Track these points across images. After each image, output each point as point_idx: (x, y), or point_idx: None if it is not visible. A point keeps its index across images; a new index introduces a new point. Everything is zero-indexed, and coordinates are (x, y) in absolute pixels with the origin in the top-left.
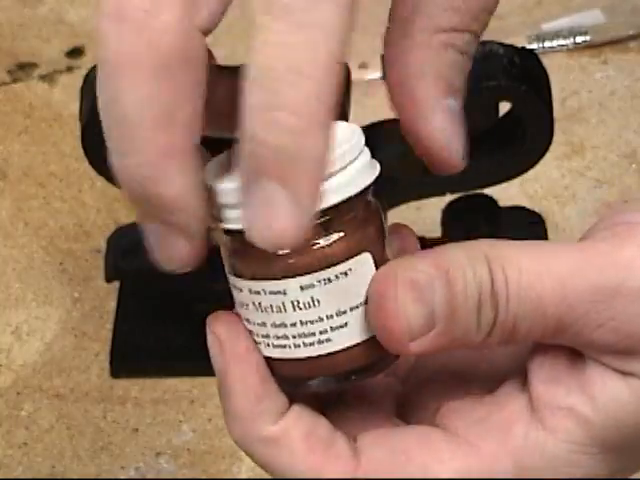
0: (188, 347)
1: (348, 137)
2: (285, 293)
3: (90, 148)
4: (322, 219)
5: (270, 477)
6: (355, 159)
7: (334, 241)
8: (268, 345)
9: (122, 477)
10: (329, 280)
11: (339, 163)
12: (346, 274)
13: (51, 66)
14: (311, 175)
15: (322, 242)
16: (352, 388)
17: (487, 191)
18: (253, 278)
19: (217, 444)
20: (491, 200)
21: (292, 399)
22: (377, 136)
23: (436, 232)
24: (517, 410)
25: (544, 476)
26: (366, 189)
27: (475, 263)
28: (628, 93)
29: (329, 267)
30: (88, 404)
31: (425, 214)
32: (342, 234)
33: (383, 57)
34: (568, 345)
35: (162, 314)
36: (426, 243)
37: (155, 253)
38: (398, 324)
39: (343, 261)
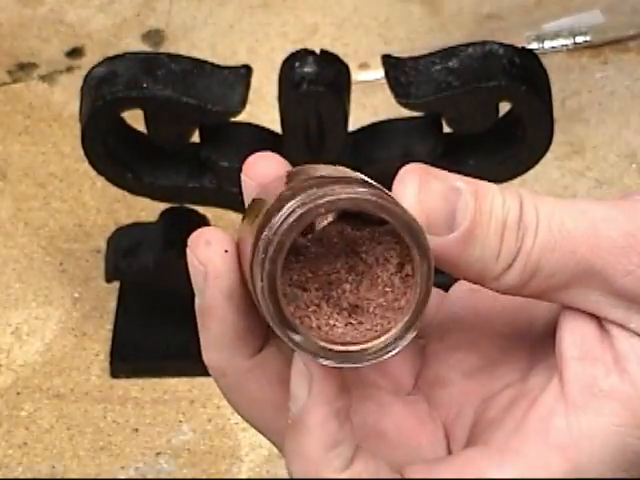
0: (188, 347)
1: None
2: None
3: (90, 148)
4: None
5: (270, 478)
6: None
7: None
8: None
9: (122, 477)
10: None
11: None
12: None
13: (51, 66)
14: None
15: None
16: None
17: None
18: None
19: (217, 444)
20: None
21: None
22: (377, 136)
23: None
24: (551, 402)
25: (601, 463)
26: None
27: (507, 194)
28: (628, 93)
29: None
30: (88, 404)
31: None
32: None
33: (383, 57)
34: (592, 304)
35: (162, 314)
36: None
37: None
38: (418, 208)
39: None
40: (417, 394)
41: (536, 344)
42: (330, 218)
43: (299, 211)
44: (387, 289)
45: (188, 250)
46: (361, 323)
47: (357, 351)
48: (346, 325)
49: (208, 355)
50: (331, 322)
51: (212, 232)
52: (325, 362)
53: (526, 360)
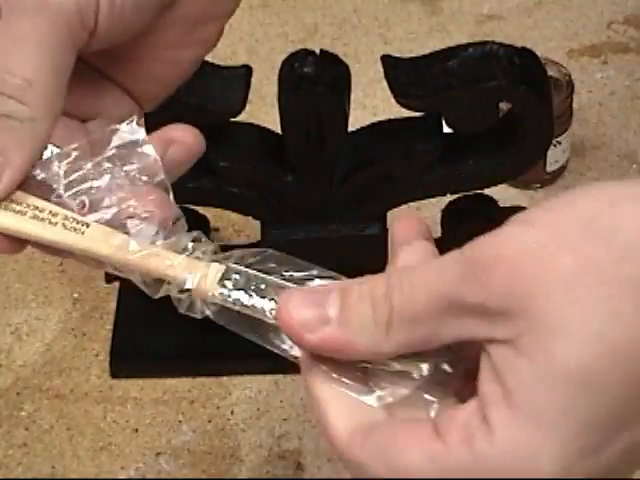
0: (188, 347)
1: None
2: None
3: None
4: None
5: (270, 477)
6: None
7: None
8: None
9: (122, 477)
10: None
11: None
12: None
13: None
14: None
15: None
16: None
17: (487, 191)
18: None
19: (217, 444)
20: (491, 200)
21: None
22: (377, 136)
23: (436, 232)
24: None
25: None
26: None
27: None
28: (628, 93)
29: None
30: (88, 404)
31: (425, 214)
32: None
33: (383, 57)
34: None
35: (162, 314)
36: None
37: None
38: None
39: None
40: None
41: None
42: None
43: None
44: None
45: None
46: None
47: None
48: None
49: None
50: None
51: None
52: None
53: None
